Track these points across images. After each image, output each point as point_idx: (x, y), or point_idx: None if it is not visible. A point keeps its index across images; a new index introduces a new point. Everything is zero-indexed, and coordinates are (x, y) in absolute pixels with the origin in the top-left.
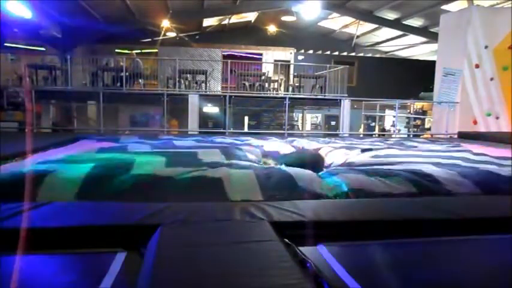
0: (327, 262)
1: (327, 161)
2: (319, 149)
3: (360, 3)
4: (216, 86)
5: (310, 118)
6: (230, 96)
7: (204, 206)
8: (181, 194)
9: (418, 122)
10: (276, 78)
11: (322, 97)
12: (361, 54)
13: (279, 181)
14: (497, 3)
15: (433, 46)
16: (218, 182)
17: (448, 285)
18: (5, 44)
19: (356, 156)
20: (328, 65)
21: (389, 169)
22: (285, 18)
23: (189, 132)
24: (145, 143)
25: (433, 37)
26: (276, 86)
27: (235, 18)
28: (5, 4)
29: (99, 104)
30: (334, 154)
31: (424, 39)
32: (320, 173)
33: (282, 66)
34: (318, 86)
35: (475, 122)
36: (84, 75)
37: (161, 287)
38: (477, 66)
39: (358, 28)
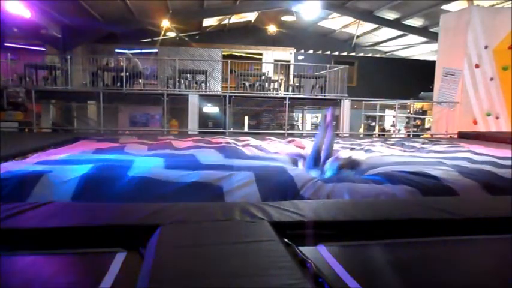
0: (327, 262)
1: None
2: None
3: (360, 3)
4: (216, 86)
5: (310, 118)
6: (230, 96)
7: (204, 206)
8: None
9: (418, 122)
10: (276, 78)
11: (322, 97)
12: (361, 54)
13: None
14: (497, 3)
15: (433, 46)
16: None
17: (449, 286)
18: (5, 44)
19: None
20: (328, 65)
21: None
22: (285, 18)
23: (189, 132)
24: (144, 143)
25: (433, 37)
26: (276, 86)
27: (235, 18)
28: (5, 4)
29: (99, 104)
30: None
31: (424, 39)
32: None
33: (282, 66)
34: (318, 86)
35: (475, 122)
36: (84, 75)
37: (161, 287)
38: (477, 66)
39: (358, 28)
